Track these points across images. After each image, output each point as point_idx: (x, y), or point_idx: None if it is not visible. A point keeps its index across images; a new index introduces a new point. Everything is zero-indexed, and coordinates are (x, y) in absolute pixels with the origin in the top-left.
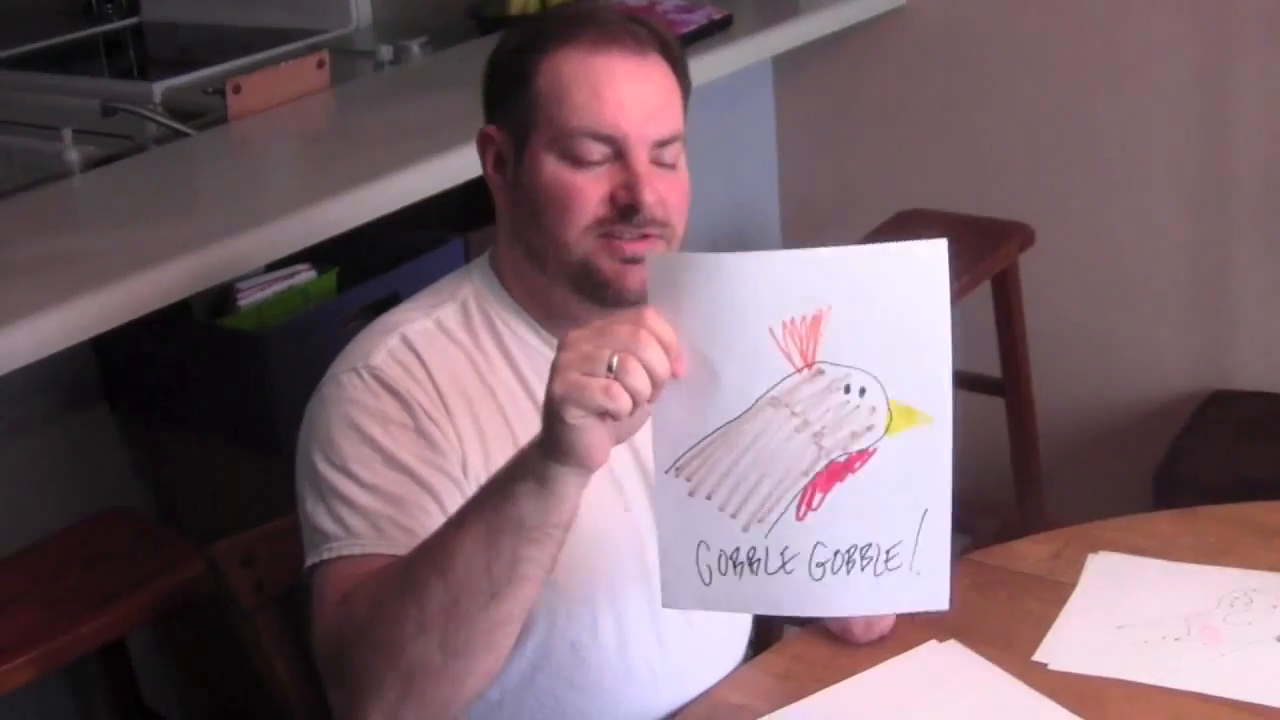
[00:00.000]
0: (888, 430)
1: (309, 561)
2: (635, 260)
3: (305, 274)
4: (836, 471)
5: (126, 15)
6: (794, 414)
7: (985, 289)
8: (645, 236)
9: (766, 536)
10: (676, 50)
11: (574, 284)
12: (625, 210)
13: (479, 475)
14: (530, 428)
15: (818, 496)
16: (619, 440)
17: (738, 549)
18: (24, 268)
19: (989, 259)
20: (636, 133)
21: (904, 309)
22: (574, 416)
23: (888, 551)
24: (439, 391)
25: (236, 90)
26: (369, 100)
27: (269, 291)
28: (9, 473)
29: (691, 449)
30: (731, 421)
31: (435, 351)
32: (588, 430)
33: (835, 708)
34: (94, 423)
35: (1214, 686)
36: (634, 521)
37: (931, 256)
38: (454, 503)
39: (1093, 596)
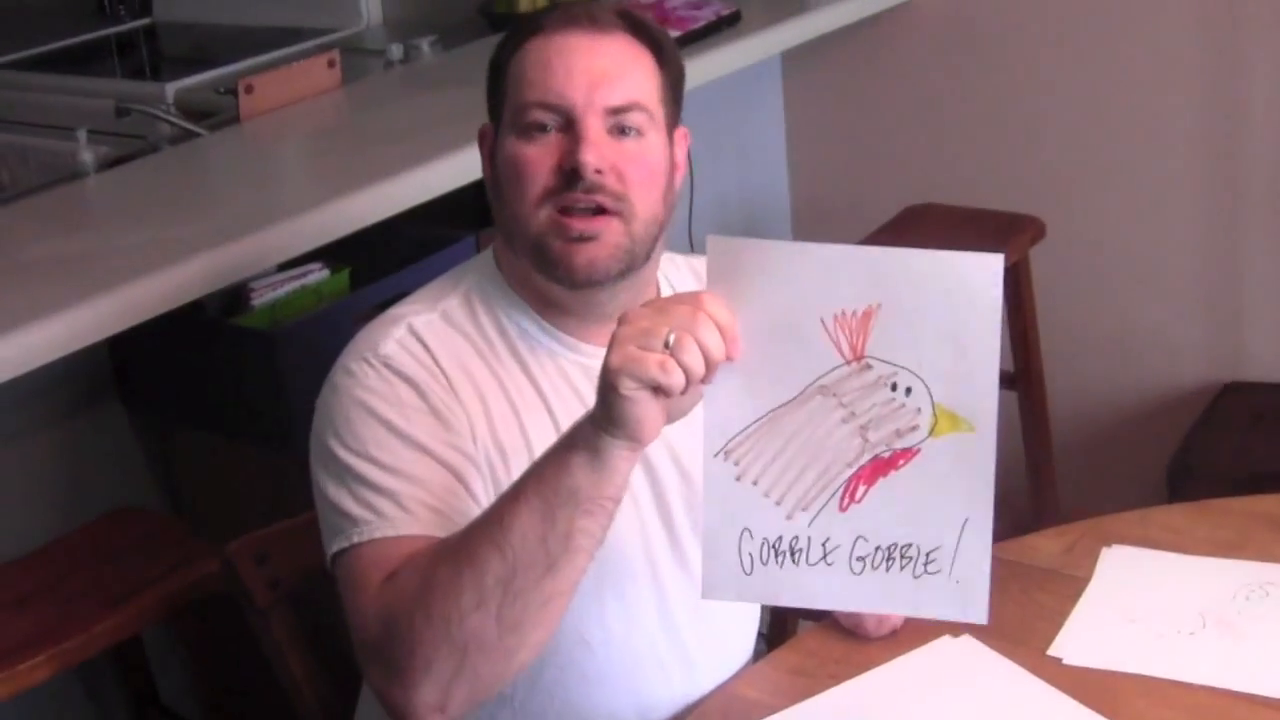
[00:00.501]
0: (932, 432)
1: (335, 547)
2: (585, 239)
3: (318, 273)
4: (880, 467)
5: (139, 16)
6: (842, 404)
7: None
8: (601, 211)
9: (810, 526)
10: (655, 34)
11: (535, 264)
12: (570, 176)
13: (489, 455)
14: (536, 415)
15: (861, 489)
16: (670, 420)
17: (780, 537)
18: (39, 268)
19: (1000, 252)
20: (584, 99)
21: (954, 316)
22: (628, 388)
23: (928, 555)
24: (448, 378)
25: (248, 90)
26: (380, 99)
27: (282, 291)
28: (24, 472)
29: (741, 432)
30: (781, 406)
31: (442, 341)
32: (640, 403)
33: (849, 703)
34: (108, 422)
35: (1229, 680)
36: (640, 517)
37: (986, 269)
38: (473, 479)
39: (1107, 590)
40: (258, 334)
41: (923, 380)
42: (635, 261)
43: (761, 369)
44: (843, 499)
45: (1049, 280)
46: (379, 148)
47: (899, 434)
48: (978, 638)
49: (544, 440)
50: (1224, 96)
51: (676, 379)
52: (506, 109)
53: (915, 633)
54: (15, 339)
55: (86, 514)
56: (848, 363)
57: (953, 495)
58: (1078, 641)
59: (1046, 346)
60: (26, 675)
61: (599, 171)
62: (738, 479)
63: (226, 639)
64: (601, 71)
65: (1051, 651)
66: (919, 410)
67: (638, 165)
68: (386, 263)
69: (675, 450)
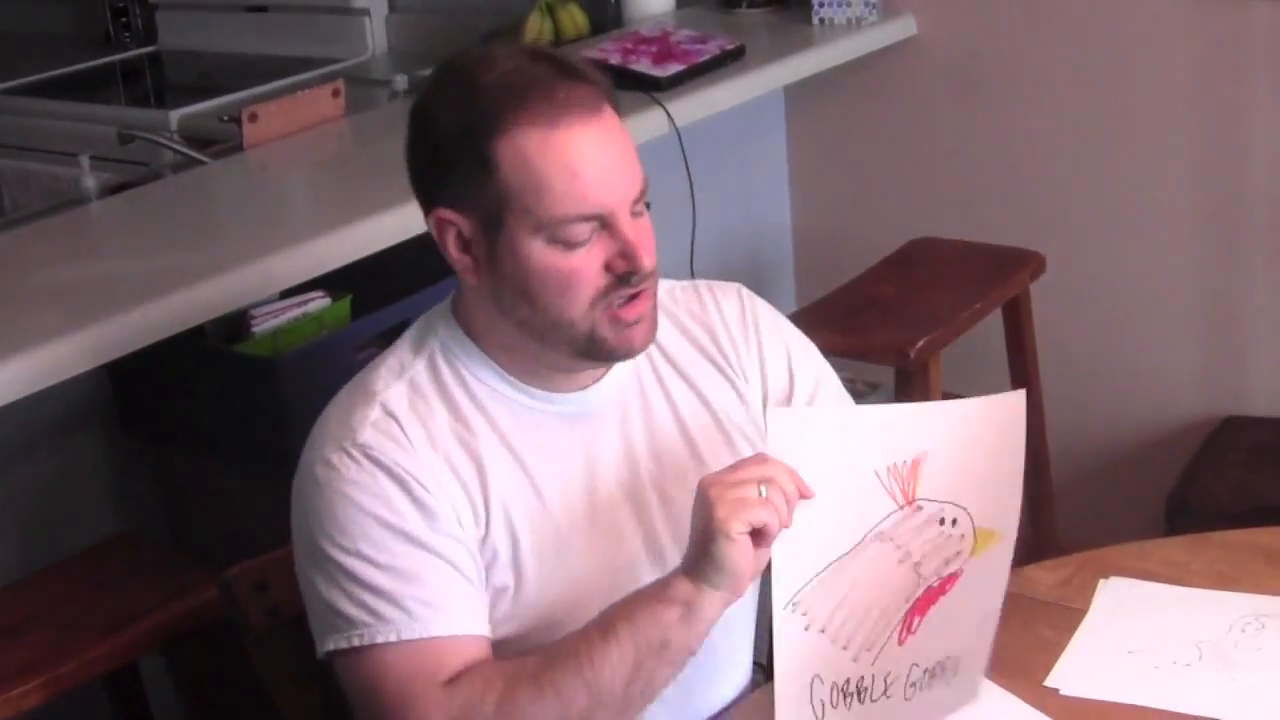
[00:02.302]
0: (972, 552)
1: (332, 645)
2: (638, 321)
3: (319, 301)
4: (932, 596)
5: (144, 43)
6: (898, 547)
7: (997, 316)
8: (640, 292)
9: (873, 664)
10: (608, 83)
11: (579, 352)
12: (622, 277)
13: (469, 526)
14: (507, 473)
15: (916, 620)
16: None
17: (848, 680)
18: (41, 293)
19: (1001, 286)
20: (618, 201)
21: (988, 449)
22: (738, 531)
23: (957, 660)
24: (426, 456)
25: (252, 118)
26: (384, 129)
27: (283, 318)
28: (23, 496)
29: (806, 584)
30: (843, 556)
31: (415, 415)
32: (744, 548)
33: None
34: (109, 447)
35: (1225, 712)
36: (629, 551)
37: (1012, 406)
38: (465, 564)
39: (1104, 622)
40: (259, 361)
41: (966, 510)
42: None
43: (823, 524)
44: (901, 634)
45: (1049, 314)
46: (382, 177)
47: (947, 562)
48: None
49: (519, 498)
50: (1224, 133)
51: (776, 518)
52: (523, 216)
53: None
54: (16, 363)
55: (85, 539)
56: (901, 508)
57: (980, 601)
58: (1075, 672)
59: (1046, 380)
60: (19, 701)
61: None
62: (806, 629)
63: (224, 668)
64: (620, 165)
65: (1049, 682)
66: (963, 536)
67: (652, 237)
68: (388, 291)
69: (661, 483)
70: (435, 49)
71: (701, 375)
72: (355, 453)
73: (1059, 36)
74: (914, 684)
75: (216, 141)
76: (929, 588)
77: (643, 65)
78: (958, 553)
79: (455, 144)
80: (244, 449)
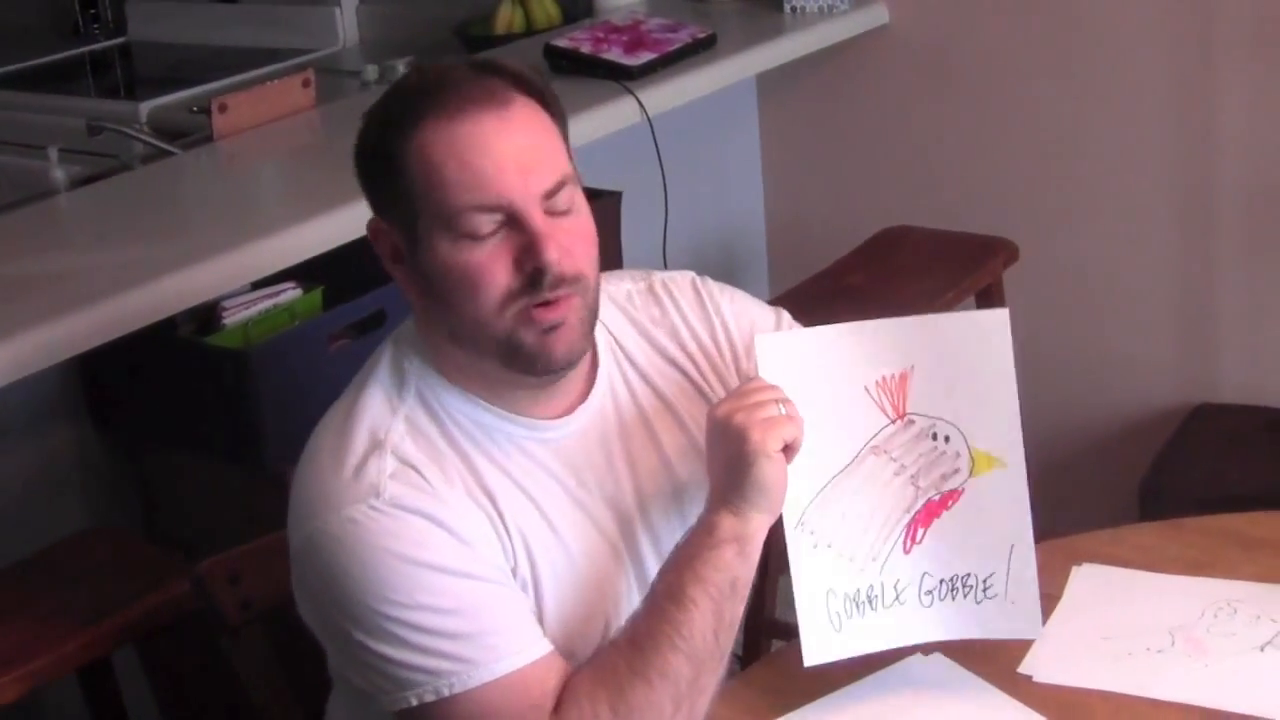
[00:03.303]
0: (972, 473)
1: (415, 701)
2: (555, 327)
3: (291, 292)
4: (933, 509)
5: (113, 35)
6: (892, 459)
7: (969, 304)
8: (560, 297)
9: (880, 572)
10: (540, 84)
11: (504, 360)
12: (533, 276)
13: (500, 558)
14: (517, 503)
15: (920, 531)
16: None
17: (858, 589)
18: (9, 286)
19: (973, 275)
20: (521, 192)
21: (975, 367)
22: (773, 448)
23: (984, 581)
24: (448, 495)
25: (222, 109)
26: (354, 119)
27: (254, 309)
28: None
29: (811, 502)
30: (841, 471)
31: (427, 458)
32: (780, 464)
33: None
34: (79, 441)
35: (1198, 697)
36: (609, 543)
37: (994, 323)
38: (513, 583)
39: (1077, 608)
40: (230, 352)
41: (958, 428)
42: (594, 326)
43: (821, 442)
44: (905, 543)
45: (1022, 303)
46: (353, 167)
47: (944, 477)
48: (949, 656)
49: (533, 527)
50: (1196, 120)
51: (802, 434)
52: (425, 211)
53: (886, 651)
54: None
55: (57, 534)
56: (892, 421)
57: (997, 525)
58: (1048, 659)
59: (1019, 368)
60: None
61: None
62: (814, 546)
63: (197, 662)
64: (526, 155)
65: (1022, 669)
66: (958, 454)
67: (583, 240)
68: (360, 282)
69: (641, 500)
70: (405, 39)
71: (673, 389)
72: (384, 507)
73: (1031, 25)
74: (929, 593)
75: (186, 133)
76: (929, 500)
77: (614, 54)
78: (955, 470)
79: (372, 148)
80: (215, 441)
